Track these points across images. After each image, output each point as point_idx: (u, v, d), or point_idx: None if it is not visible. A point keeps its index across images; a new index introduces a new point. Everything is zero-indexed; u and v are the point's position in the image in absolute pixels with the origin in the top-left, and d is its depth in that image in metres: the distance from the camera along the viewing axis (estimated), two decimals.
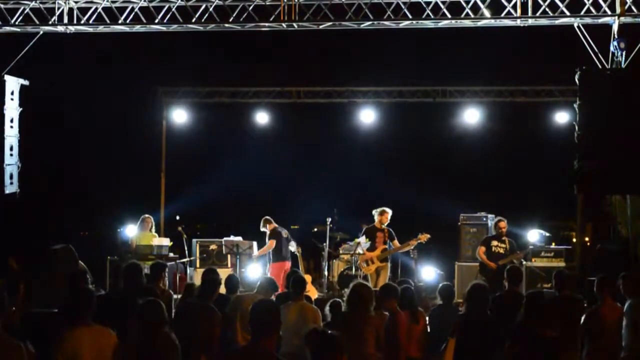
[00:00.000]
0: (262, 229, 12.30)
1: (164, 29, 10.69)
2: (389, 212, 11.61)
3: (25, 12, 10.51)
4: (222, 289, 7.87)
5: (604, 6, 9.76)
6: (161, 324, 5.45)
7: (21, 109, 10.88)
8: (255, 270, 12.34)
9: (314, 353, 4.13)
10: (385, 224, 11.61)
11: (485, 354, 6.44)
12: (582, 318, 7.47)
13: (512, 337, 6.47)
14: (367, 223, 12.27)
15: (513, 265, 8.58)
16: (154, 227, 12.17)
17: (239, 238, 12.21)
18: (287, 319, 6.75)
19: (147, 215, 12.02)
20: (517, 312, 6.80)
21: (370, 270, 11.46)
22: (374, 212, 11.76)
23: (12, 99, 10.69)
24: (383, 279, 11.17)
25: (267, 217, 12.37)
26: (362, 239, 12.99)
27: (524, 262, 11.58)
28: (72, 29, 10.67)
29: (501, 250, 11.21)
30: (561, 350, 6.59)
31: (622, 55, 9.60)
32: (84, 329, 5.53)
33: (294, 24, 10.38)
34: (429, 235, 11.63)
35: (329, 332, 4.24)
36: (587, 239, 18.31)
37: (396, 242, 11.56)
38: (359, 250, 12.35)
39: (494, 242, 11.28)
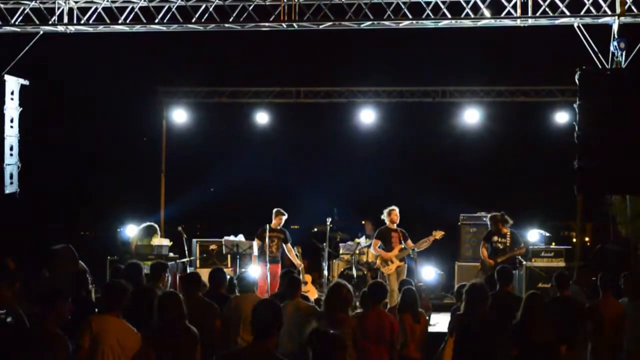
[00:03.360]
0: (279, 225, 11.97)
1: (164, 29, 10.68)
2: (396, 209, 11.45)
3: (25, 12, 10.49)
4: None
5: (604, 6, 9.75)
6: (182, 316, 5.73)
7: (21, 109, 10.87)
8: (255, 270, 12.29)
9: (315, 353, 4.12)
10: (396, 222, 11.49)
11: (484, 354, 6.44)
12: (584, 314, 7.50)
13: (511, 341, 6.48)
14: (370, 220, 12.19)
15: (502, 266, 8.51)
16: (158, 235, 12.07)
17: (240, 237, 12.17)
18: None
19: (154, 225, 11.99)
20: (511, 311, 6.81)
21: (390, 271, 11.34)
22: (382, 217, 11.63)
23: (12, 99, 10.67)
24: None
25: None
26: (362, 240, 13.00)
27: (524, 263, 11.54)
28: (72, 29, 10.66)
29: (500, 246, 11.12)
30: (560, 353, 6.61)
31: (622, 55, 9.59)
32: (112, 318, 5.70)
33: (294, 24, 10.36)
34: (443, 232, 11.56)
35: (331, 332, 4.24)
36: (587, 239, 18.32)
37: (410, 242, 11.43)
38: (359, 250, 12.35)
39: (495, 238, 11.21)
